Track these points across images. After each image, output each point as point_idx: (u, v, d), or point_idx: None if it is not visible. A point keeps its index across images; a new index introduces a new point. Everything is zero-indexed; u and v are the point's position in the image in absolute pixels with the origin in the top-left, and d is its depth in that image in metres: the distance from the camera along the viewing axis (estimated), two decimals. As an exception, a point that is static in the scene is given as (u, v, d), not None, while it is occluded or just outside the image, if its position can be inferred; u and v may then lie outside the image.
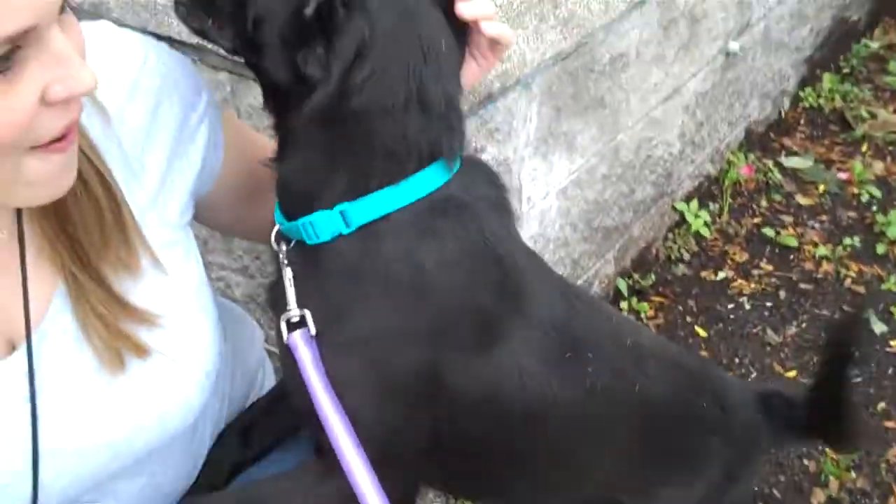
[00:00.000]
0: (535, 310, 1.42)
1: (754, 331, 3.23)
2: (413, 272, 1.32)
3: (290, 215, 1.37)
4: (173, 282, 1.38)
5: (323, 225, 1.32)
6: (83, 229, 1.24)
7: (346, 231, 1.32)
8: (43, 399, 1.26)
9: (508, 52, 2.14)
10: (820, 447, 2.83)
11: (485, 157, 2.24)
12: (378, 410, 1.36)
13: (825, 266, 3.50)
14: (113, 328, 1.28)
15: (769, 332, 3.24)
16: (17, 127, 1.03)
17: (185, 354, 1.39)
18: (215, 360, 1.45)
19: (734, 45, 3.46)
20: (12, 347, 1.27)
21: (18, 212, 1.24)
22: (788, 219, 3.74)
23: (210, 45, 2.18)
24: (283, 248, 1.39)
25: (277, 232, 1.40)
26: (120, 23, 2.22)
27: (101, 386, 1.30)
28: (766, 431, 1.79)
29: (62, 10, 1.05)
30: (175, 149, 1.40)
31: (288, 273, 1.36)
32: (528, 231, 2.57)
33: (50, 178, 1.13)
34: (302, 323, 1.34)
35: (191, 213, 1.46)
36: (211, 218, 1.61)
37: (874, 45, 4.88)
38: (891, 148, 4.16)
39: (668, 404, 1.63)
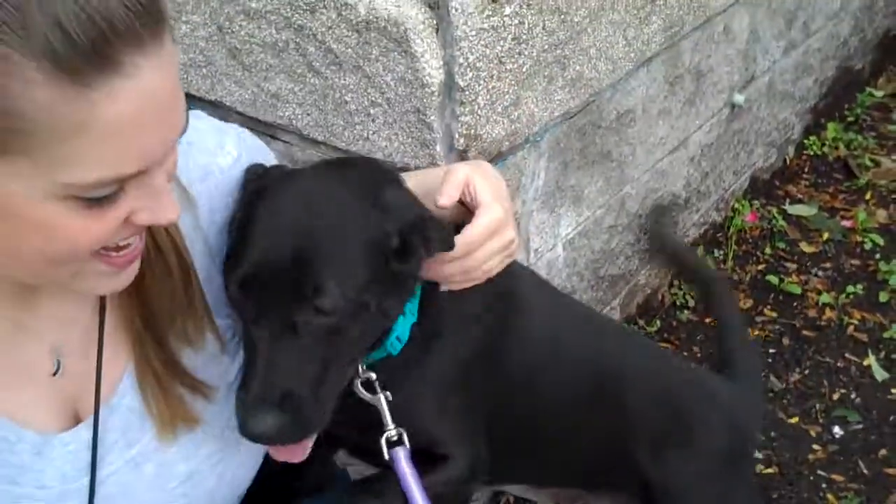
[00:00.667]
0: None
1: (758, 377, 3.29)
2: None
3: None
4: (237, 364, 1.46)
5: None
6: (155, 294, 1.31)
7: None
8: (102, 472, 1.34)
9: (518, 113, 2.24)
10: (821, 494, 2.89)
11: (494, 212, 2.33)
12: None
13: (828, 313, 3.57)
14: (170, 395, 1.36)
15: (772, 378, 3.30)
16: (98, 242, 1.11)
17: (234, 436, 1.44)
18: (262, 450, 1.54)
19: (739, 98, 3.54)
20: (77, 420, 1.34)
21: None
22: (792, 266, 3.82)
23: (228, 102, 2.29)
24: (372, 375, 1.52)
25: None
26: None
27: (156, 462, 1.38)
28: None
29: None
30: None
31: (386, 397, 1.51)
32: (537, 281, 2.65)
33: (107, 281, 1.21)
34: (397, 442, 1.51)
35: None
36: None
37: (878, 93, 4.97)
38: (894, 196, 4.23)
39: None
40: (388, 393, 1.51)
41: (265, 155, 1.53)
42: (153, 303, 1.31)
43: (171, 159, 1.14)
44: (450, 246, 1.42)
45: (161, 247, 1.30)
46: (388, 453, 1.49)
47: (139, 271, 1.25)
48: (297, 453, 1.40)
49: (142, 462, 1.37)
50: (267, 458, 1.64)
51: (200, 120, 1.43)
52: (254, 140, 1.54)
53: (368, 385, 1.51)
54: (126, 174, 1.05)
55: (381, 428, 1.50)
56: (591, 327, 1.93)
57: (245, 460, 1.49)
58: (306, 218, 1.35)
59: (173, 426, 1.37)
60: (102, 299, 1.33)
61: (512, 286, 1.69)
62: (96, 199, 1.05)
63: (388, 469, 1.51)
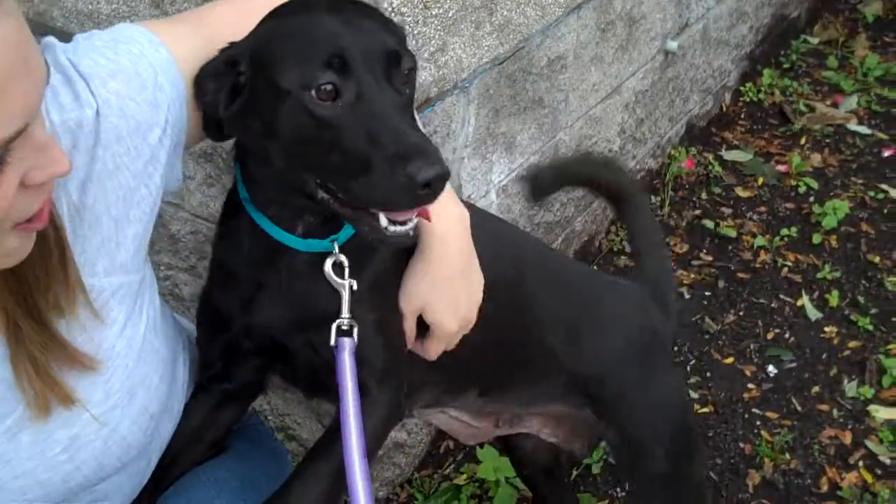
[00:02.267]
0: None
1: (693, 319, 3.35)
2: None
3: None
4: (117, 329, 1.42)
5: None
6: (29, 267, 1.26)
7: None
8: None
9: (445, 59, 2.24)
10: (755, 431, 2.95)
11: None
12: None
13: (763, 256, 3.63)
14: (44, 374, 1.32)
15: (708, 320, 3.36)
16: (1, 212, 1.09)
17: (125, 394, 1.43)
18: (162, 398, 1.51)
19: (672, 45, 3.57)
20: None
21: None
22: (728, 210, 3.87)
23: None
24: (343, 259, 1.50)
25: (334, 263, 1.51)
26: (63, 32, 2.31)
27: (32, 431, 1.35)
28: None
29: None
30: (134, 184, 1.40)
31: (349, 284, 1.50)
32: (471, 228, 2.66)
33: (24, 250, 1.19)
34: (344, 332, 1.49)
35: (148, 240, 1.47)
36: None
37: (813, 40, 5.03)
38: (828, 140, 4.30)
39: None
40: (353, 281, 1.49)
41: (137, 91, 1.38)
42: (26, 273, 1.27)
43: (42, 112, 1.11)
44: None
45: None
46: (336, 340, 1.46)
47: None
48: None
49: (17, 432, 1.35)
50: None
51: (56, 68, 1.34)
52: (121, 57, 1.39)
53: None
54: (10, 134, 1.03)
55: (320, 328, 1.48)
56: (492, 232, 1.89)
57: (137, 417, 1.46)
58: (356, 14, 1.37)
59: (47, 406, 1.34)
60: None
61: None
62: None
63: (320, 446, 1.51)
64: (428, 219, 1.37)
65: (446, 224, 1.58)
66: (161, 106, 1.39)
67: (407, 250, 1.58)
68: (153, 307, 1.51)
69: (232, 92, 1.40)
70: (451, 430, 2.11)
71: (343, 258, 1.49)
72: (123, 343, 1.42)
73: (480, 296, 1.66)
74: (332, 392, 1.45)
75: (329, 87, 1.29)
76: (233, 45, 1.41)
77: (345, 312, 1.48)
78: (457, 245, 1.61)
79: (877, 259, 3.60)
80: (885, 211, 3.86)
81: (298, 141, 1.34)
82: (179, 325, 1.71)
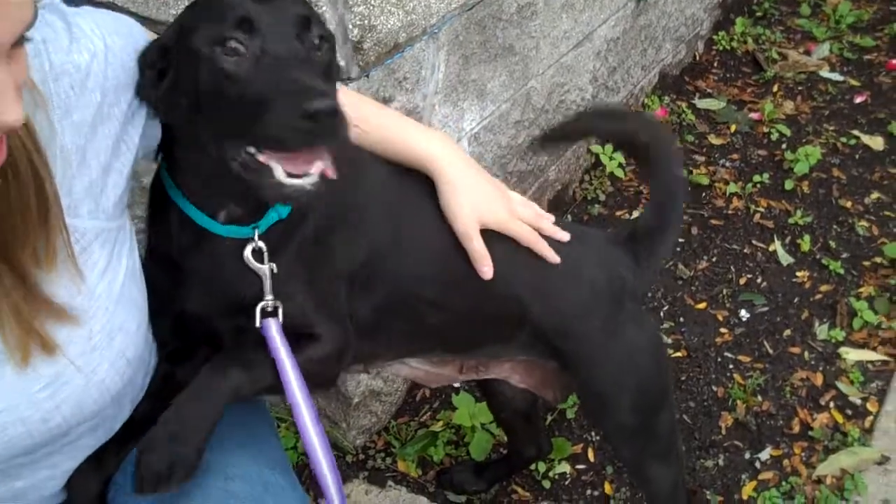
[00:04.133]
0: None
1: (667, 266, 3.37)
2: None
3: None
4: (97, 272, 1.44)
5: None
6: (6, 214, 1.26)
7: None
8: None
9: (413, 4, 2.23)
10: (728, 374, 2.98)
11: (394, 105, 2.33)
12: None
13: (735, 202, 3.65)
14: (26, 324, 1.33)
15: (680, 266, 3.38)
16: None
17: (105, 336, 1.45)
18: (139, 345, 1.53)
19: (644, -9, 3.56)
20: None
21: None
22: (701, 158, 3.88)
23: (120, 2, 2.25)
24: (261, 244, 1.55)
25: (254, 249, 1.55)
26: None
27: (10, 372, 1.36)
28: None
29: (15, 44, 1.08)
30: (119, 135, 1.45)
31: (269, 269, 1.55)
32: (443, 176, 2.66)
33: None
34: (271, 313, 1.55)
35: (127, 195, 1.51)
36: None
37: (786, -13, 5.02)
38: (800, 87, 4.31)
39: None
40: (273, 265, 1.54)
41: (130, 46, 1.47)
42: (3, 225, 1.27)
43: (16, 54, 1.10)
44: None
45: (17, 166, 1.24)
46: (261, 322, 1.52)
47: None
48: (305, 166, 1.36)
49: (1, 364, 1.36)
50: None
51: (56, 16, 1.39)
52: (109, 20, 1.47)
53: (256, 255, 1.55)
54: None
55: (246, 313, 1.54)
56: None
57: (115, 360, 1.49)
58: None
59: (28, 354, 1.36)
60: None
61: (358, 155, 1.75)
62: None
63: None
64: (328, 176, 1.36)
65: (437, 145, 1.76)
66: None
67: (326, 221, 1.63)
68: (132, 257, 1.54)
69: (160, 74, 1.46)
70: (412, 377, 2.11)
71: (262, 244, 1.54)
72: (104, 286, 1.45)
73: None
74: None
75: (235, 43, 1.35)
76: (163, 33, 1.49)
77: (267, 295, 1.54)
78: (458, 155, 1.78)
79: (848, 204, 3.62)
80: (857, 156, 3.88)
81: (213, 101, 1.38)
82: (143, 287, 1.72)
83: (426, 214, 1.79)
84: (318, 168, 1.33)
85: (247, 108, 1.32)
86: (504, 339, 1.93)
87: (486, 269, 1.78)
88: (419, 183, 1.78)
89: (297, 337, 1.57)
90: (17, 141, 1.23)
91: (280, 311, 1.54)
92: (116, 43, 1.43)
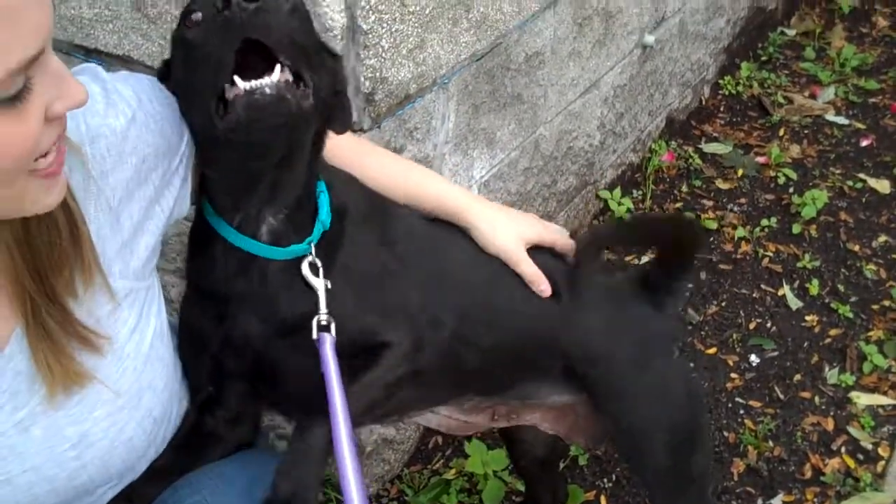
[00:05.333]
0: None
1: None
2: None
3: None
4: (126, 331, 1.46)
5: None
6: (42, 246, 1.30)
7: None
8: None
9: (424, 56, 2.26)
10: (739, 419, 2.98)
11: (405, 155, 2.35)
12: None
13: (744, 247, 3.66)
14: (61, 353, 1.35)
15: (690, 311, 3.38)
16: (30, 149, 1.12)
17: (133, 396, 1.47)
18: (165, 403, 1.56)
19: (650, 39, 3.59)
20: None
21: None
22: (709, 203, 3.90)
23: (136, 56, 2.28)
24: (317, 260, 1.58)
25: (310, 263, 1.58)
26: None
27: (44, 425, 1.38)
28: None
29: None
30: (154, 198, 1.48)
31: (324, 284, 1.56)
32: (453, 224, 2.68)
33: (51, 201, 1.22)
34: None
35: (157, 256, 1.54)
36: None
37: (791, 32, 5.06)
38: (806, 131, 4.33)
39: None
40: (328, 281, 1.55)
41: (165, 109, 1.50)
42: (39, 253, 1.30)
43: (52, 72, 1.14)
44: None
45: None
46: (317, 336, 1.52)
47: (22, 221, 1.25)
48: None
49: (30, 425, 1.37)
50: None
51: (94, 81, 1.43)
52: (147, 86, 1.51)
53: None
54: (29, 57, 1.05)
55: (300, 331, 1.54)
56: None
57: (142, 420, 1.50)
58: None
59: (65, 385, 1.37)
60: None
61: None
62: (9, 99, 1.06)
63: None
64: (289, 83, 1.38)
65: (464, 194, 1.87)
66: (184, 137, 1.51)
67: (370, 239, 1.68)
68: (160, 316, 1.57)
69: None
70: (444, 426, 2.11)
71: (317, 260, 1.56)
72: (133, 346, 1.48)
73: None
74: (324, 409, 1.48)
75: (195, 14, 1.38)
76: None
77: (322, 309, 1.54)
78: (482, 200, 1.90)
79: (856, 247, 3.63)
80: (864, 200, 3.89)
81: (189, 75, 1.43)
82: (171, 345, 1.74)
83: (462, 250, 1.82)
84: (274, 76, 1.34)
85: (208, 65, 1.36)
86: (537, 376, 1.94)
87: (544, 286, 1.83)
88: (450, 224, 1.83)
89: (368, 350, 1.59)
90: None
91: (333, 327, 1.53)
92: (155, 108, 1.47)
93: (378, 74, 2.13)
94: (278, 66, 1.34)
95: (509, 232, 1.83)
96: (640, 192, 3.90)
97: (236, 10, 1.28)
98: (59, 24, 2.34)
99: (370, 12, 2.04)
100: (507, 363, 1.90)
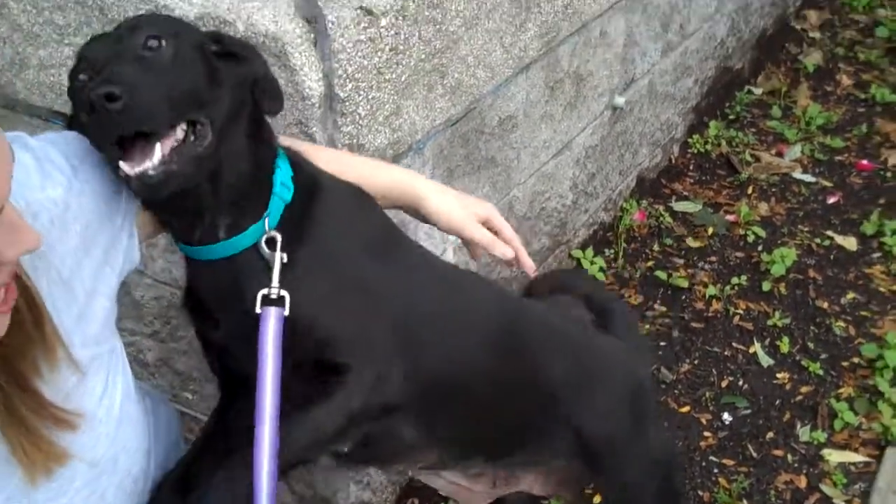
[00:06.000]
0: None
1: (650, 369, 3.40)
2: None
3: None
4: (95, 398, 1.47)
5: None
6: (6, 336, 1.27)
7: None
8: None
9: (400, 122, 2.29)
10: (713, 478, 2.99)
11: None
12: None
13: (715, 305, 3.70)
14: (36, 437, 1.34)
15: (663, 370, 3.41)
16: None
17: (109, 461, 1.48)
18: (141, 461, 1.57)
19: (620, 100, 3.65)
20: None
21: None
22: (680, 261, 3.94)
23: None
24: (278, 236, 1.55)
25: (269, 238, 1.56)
26: (27, 104, 2.33)
27: (27, 501, 1.39)
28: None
29: None
30: (104, 260, 1.47)
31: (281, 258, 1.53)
32: (428, 286, 2.70)
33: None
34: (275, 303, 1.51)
35: (115, 314, 1.54)
36: None
37: (757, 91, 5.15)
38: (774, 189, 4.40)
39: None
40: (284, 255, 1.53)
41: (100, 173, 1.49)
42: (4, 342, 1.28)
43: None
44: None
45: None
46: (261, 309, 1.49)
47: None
48: (145, 165, 1.38)
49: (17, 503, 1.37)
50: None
51: (25, 150, 1.41)
52: (75, 146, 1.49)
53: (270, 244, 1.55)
54: None
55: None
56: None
57: (121, 482, 1.51)
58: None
59: (47, 468, 1.37)
60: None
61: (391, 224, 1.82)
62: None
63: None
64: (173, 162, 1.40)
65: (414, 174, 1.91)
66: (122, 192, 1.50)
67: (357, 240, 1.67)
68: (126, 375, 1.57)
69: None
70: (450, 493, 2.13)
71: (277, 234, 1.54)
72: (104, 411, 1.48)
73: None
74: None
75: (81, 76, 1.42)
76: None
77: (275, 282, 1.51)
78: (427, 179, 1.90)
79: (825, 305, 3.68)
80: (832, 257, 3.95)
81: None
82: (142, 390, 1.75)
83: (470, 299, 1.83)
84: (154, 158, 1.36)
85: (98, 146, 1.41)
86: (546, 443, 1.96)
87: (505, 249, 1.87)
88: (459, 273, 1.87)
89: (320, 372, 1.54)
90: None
91: (287, 302, 1.51)
92: (87, 170, 1.45)
93: (355, 141, 2.16)
94: (158, 147, 1.37)
95: (458, 203, 1.87)
96: (612, 251, 3.94)
97: (103, 112, 1.31)
98: (38, 92, 2.36)
99: (347, 81, 2.08)
100: (518, 428, 1.92)
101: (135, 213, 1.54)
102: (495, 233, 1.92)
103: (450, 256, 2.78)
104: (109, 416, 1.49)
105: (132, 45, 1.41)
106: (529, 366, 1.91)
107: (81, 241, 1.42)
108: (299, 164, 1.65)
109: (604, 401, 2.01)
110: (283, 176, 1.59)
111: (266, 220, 1.55)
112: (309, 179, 1.64)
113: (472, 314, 1.83)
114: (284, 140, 1.72)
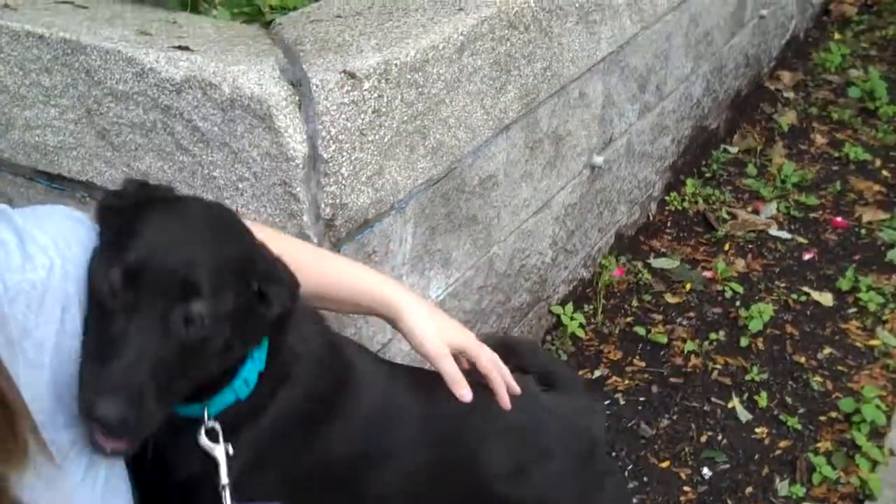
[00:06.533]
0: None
1: (629, 425, 3.43)
2: None
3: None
4: (76, 481, 1.44)
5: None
6: None
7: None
8: None
9: (382, 182, 2.34)
10: (693, 532, 3.01)
11: (364, 277, 2.41)
12: None
13: (693, 360, 3.73)
14: None
15: (643, 425, 3.44)
16: None
17: None
18: None
19: (598, 160, 3.71)
20: None
21: None
22: (658, 317, 3.98)
23: (99, 182, 2.33)
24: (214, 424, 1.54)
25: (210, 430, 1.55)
26: (11, 163, 2.37)
27: None
28: None
29: None
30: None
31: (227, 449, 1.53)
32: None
33: None
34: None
35: None
36: None
37: (733, 150, 5.24)
38: (751, 245, 4.46)
39: None
40: (229, 445, 1.51)
41: (81, 252, 1.44)
42: None
43: None
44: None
45: None
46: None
47: None
48: (121, 446, 1.38)
49: None
50: None
51: (7, 228, 1.37)
52: (80, 232, 1.48)
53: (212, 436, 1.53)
54: None
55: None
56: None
57: None
58: (196, 235, 1.45)
59: None
60: None
61: (350, 358, 1.81)
62: None
63: None
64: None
65: (393, 287, 1.86)
66: None
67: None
68: (103, 467, 1.53)
69: None
70: None
71: (215, 424, 1.53)
72: (87, 490, 1.46)
73: None
74: None
75: (112, 289, 1.37)
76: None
77: (223, 479, 1.50)
78: (413, 295, 1.87)
79: (802, 359, 3.73)
80: (808, 313, 4.00)
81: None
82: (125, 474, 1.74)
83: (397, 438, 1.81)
84: (114, 447, 1.37)
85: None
86: None
87: (465, 391, 1.76)
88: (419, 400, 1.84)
89: None
90: None
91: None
92: (76, 254, 1.42)
93: (338, 201, 2.20)
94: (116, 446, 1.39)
95: (435, 326, 1.81)
96: (592, 307, 3.98)
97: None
98: (23, 152, 2.40)
99: (331, 142, 2.12)
100: None
101: None
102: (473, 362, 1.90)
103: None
104: (93, 493, 1.47)
105: (171, 317, 1.36)
106: (468, 462, 1.91)
107: (61, 324, 1.39)
108: (278, 350, 1.62)
109: (547, 471, 2.00)
110: (248, 371, 1.56)
111: (205, 409, 1.53)
112: (281, 372, 1.61)
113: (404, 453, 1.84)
114: (265, 230, 1.75)
